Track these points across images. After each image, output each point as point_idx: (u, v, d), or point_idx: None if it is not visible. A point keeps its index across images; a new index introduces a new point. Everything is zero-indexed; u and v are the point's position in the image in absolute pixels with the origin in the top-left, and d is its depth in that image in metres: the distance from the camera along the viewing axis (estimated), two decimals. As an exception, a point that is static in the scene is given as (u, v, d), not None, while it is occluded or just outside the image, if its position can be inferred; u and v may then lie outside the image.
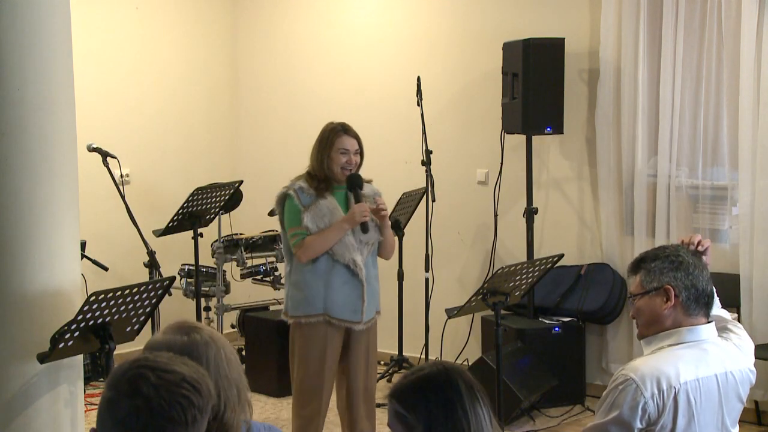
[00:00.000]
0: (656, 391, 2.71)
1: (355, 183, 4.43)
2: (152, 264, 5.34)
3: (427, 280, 6.23)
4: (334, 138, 4.43)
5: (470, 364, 5.85)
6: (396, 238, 6.19)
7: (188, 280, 6.19)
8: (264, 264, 6.48)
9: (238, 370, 2.35)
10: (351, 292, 4.44)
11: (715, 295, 3.07)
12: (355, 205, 4.40)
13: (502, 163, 6.21)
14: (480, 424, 2.03)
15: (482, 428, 2.02)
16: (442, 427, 2.02)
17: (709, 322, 2.88)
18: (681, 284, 2.82)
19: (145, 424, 1.80)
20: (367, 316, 4.50)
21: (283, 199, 4.48)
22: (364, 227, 4.40)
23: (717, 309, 3.08)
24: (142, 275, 5.49)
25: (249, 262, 6.44)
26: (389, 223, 4.59)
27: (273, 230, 6.56)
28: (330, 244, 4.39)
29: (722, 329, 2.98)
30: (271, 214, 6.49)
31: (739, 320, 5.37)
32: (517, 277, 4.25)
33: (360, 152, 4.48)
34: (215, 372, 2.24)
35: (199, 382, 1.87)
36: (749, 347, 2.99)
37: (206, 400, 1.87)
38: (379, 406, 5.88)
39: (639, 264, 2.92)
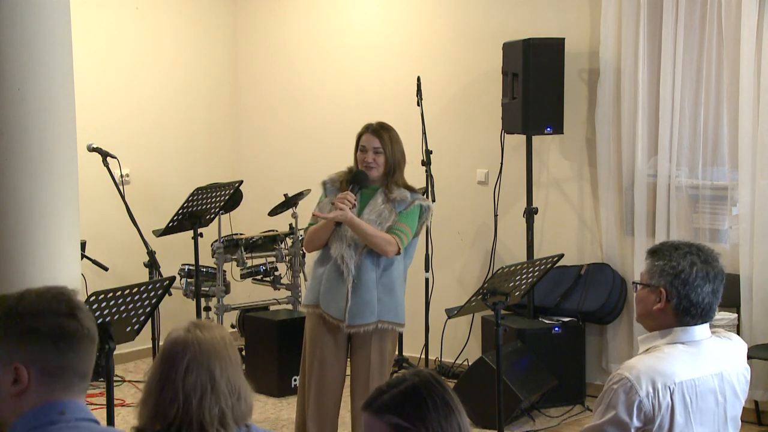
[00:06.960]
0: (651, 390, 2.72)
1: (356, 179, 4.34)
2: (152, 264, 5.34)
3: (427, 280, 6.23)
4: (359, 136, 4.42)
5: (470, 364, 5.85)
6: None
7: (188, 280, 6.19)
8: (264, 264, 6.48)
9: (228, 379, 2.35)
10: (338, 288, 4.29)
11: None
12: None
13: (502, 163, 6.21)
14: (465, 425, 2.06)
15: (467, 427, 2.05)
16: (441, 430, 2.05)
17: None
18: (675, 291, 2.81)
19: None
20: (353, 319, 4.27)
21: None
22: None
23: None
24: (142, 275, 5.49)
25: (249, 262, 6.43)
26: (355, 221, 4.22)
27: (273, 230, 6.57)
28: (321, 235, 4.31)
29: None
30: (272, 214, 6.52)
31: (738, 320, 5.38)
32: (517, 277, 4.24)
33: (383, 151, 4.34)
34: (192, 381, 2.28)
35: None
36: (741, 346, 2.99)
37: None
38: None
39: (652, 253, 2.90)
